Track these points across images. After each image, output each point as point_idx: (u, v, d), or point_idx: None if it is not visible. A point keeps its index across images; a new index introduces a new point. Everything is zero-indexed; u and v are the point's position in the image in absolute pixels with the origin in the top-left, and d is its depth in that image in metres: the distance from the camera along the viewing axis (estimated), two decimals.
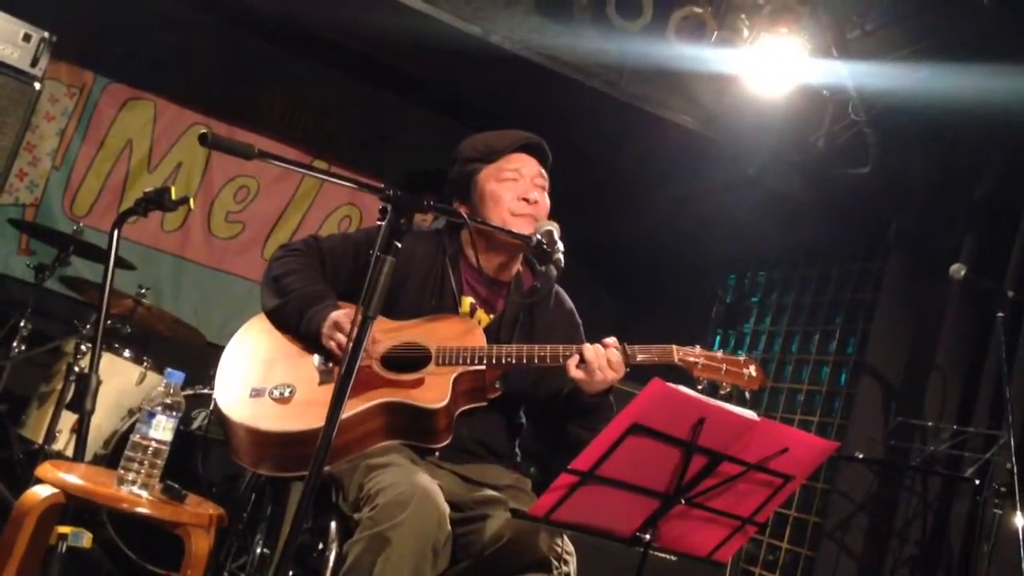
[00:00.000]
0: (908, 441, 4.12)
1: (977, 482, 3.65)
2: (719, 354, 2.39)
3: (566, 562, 2.22)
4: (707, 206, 5.23)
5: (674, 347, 2.37)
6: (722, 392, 2.38)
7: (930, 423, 4.02)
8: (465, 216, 2.25)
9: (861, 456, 4.18)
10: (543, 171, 2.61)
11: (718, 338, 6.01)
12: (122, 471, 2.17)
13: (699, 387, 2.37)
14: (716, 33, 4.26)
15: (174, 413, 2.20)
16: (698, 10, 4.23)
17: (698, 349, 2.38)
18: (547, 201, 2.58)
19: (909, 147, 4.44)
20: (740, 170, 4.86)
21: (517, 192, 2.52)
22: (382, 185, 1.91)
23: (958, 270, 3.71)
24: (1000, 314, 3.64)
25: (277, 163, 1.87)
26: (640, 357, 2.35)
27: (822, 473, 4.74)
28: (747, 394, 2.45)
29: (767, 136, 4.67)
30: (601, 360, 2.31)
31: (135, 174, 5.80)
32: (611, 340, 2.36)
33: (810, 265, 5.42)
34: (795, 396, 5.22)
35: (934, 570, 3.94)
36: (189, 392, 4.04)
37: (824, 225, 5.05)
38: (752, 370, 2.39)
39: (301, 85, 6.07)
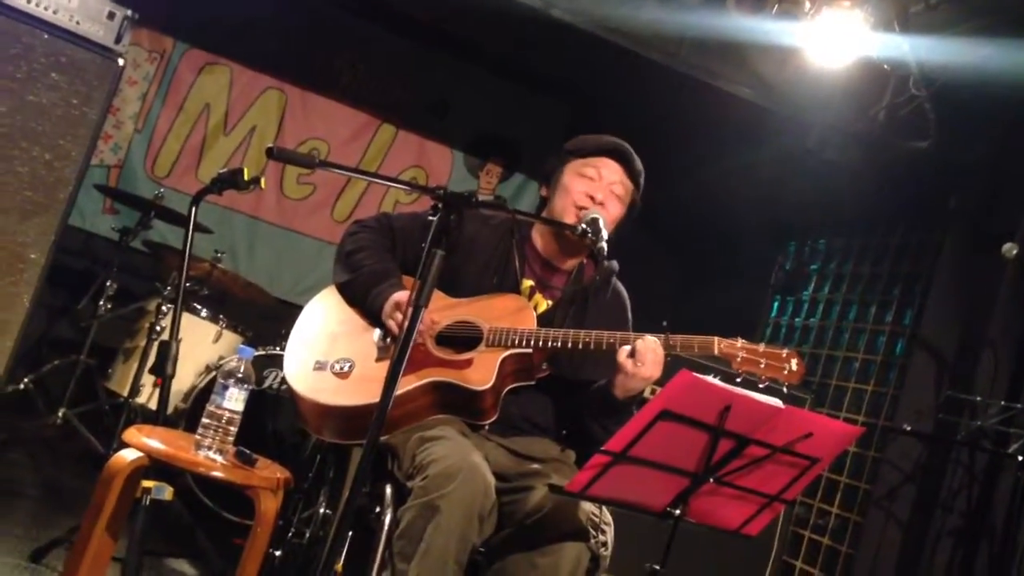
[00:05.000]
0: (957, 415, 4.18)
1: (1021, 458, 3.70)
2: (760, 347, 2.42)
3: (603, 531, 2.38)
4: (768, 176, 5.26)
5: (715, 339, 2.41)
6: (760, 387, 2.43)
7: (979, 398, 4.07)
8: (510, 210, 2.38)
9: (909, 429, 4.25)
10: (626, 180, 2.71)
11: (776, 304, 6.07)
12: (199, 437, 2.39)
13: (738, 380, 2.46)
14: (777, 6, 4.29)
15: (245, 385, 2.41)
16: None
17: (740, 342, 2.42)
18: (617, 209, 2.68)
19: (970, 122, 4.43)
20: (800, 141, 4.88)
21: (587, 189, 2.64)
22: (434, 187, 2.06)
23: (1010, 249, 3.73)
24: None
25: (336, 171, 2.03)
26: (681, 347, 2.43)
27: (873, 442, 4.83)
28: (785, 388, 2.47)
29: (827, 108, 4.69)
30: (648, 354, 2.40)
31: (212, 137, 6.04)
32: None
33: (870, 235, 5.43)
34: (851, 364, 5.28)
35: (977, 542, 4.02)
36: (261, 352, 4.28)
37: (884, 196, 5.06)
38: (793, 364, 2.41)
39: (370, 52, 6.22)
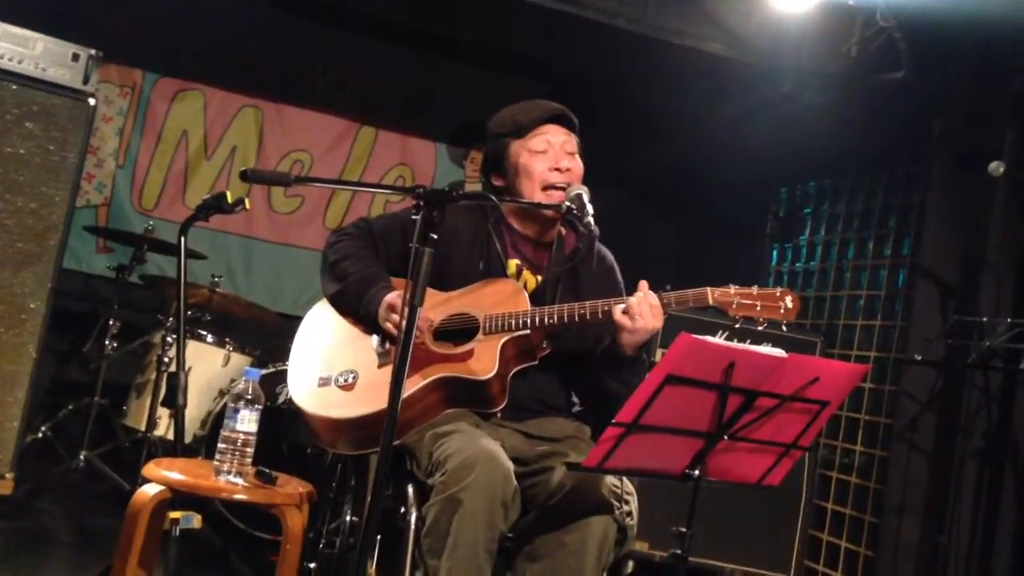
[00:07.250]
0: (966, 338, 4.18)
1: None
2: (754, 290, 2.45)
3: (627, 502, 2.40)
4: (750, 127, 5.25)
5: (708, 289, 2.45)
6: (760, 328, 2.48)
7: (985, 319, 4.07)
8: (495, 199, 2.39)
9: (920, 358, 4.26)
10: (570, 135, 2.73)
11: (775, 252, 6.07)
12: (217, 462, 2.41)
13: (736, 325, 2.49)
14: None
15: (256, 407, 2.43)
16: None
17: (733, 289, 2.45)
18: (579, 165, 2.70)
19: (943, 46, 4.41)
20: (776, 88, 4.87)
21: (548, 163, 2.65)
22: (412, 186, 2.07)
23: (997, 167, 3.73)
24: None
25: (314, 184, 2.04)
26: (676, 303, 2.46)
27: (888, 375, 4.84)
28: (784, 327, 2.50)
29: (798, 52, 4.68)
30: (643, 307, 2.44)
31: (194, 163, 6.04)
32: (643, 283, 2.49)
33: (859, 172, 5.43)
34: (856, 301, 5.28)
35: (1001, 461, 4.04)
36: (271, 370, 4.30)
37: (868, 131, 5.04)
38: (788, 301, 2.44)
39: (341, 57, 6.20)
